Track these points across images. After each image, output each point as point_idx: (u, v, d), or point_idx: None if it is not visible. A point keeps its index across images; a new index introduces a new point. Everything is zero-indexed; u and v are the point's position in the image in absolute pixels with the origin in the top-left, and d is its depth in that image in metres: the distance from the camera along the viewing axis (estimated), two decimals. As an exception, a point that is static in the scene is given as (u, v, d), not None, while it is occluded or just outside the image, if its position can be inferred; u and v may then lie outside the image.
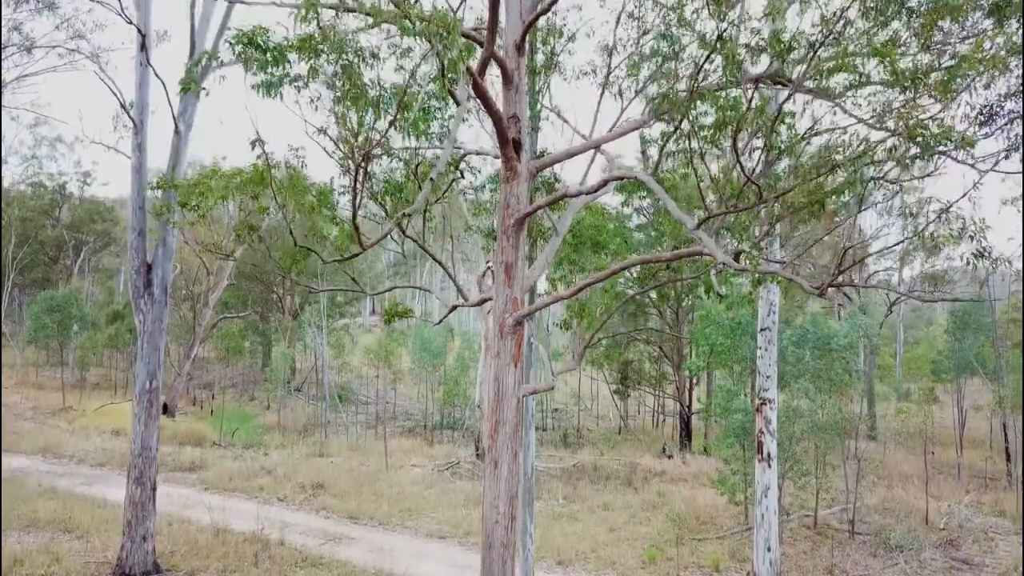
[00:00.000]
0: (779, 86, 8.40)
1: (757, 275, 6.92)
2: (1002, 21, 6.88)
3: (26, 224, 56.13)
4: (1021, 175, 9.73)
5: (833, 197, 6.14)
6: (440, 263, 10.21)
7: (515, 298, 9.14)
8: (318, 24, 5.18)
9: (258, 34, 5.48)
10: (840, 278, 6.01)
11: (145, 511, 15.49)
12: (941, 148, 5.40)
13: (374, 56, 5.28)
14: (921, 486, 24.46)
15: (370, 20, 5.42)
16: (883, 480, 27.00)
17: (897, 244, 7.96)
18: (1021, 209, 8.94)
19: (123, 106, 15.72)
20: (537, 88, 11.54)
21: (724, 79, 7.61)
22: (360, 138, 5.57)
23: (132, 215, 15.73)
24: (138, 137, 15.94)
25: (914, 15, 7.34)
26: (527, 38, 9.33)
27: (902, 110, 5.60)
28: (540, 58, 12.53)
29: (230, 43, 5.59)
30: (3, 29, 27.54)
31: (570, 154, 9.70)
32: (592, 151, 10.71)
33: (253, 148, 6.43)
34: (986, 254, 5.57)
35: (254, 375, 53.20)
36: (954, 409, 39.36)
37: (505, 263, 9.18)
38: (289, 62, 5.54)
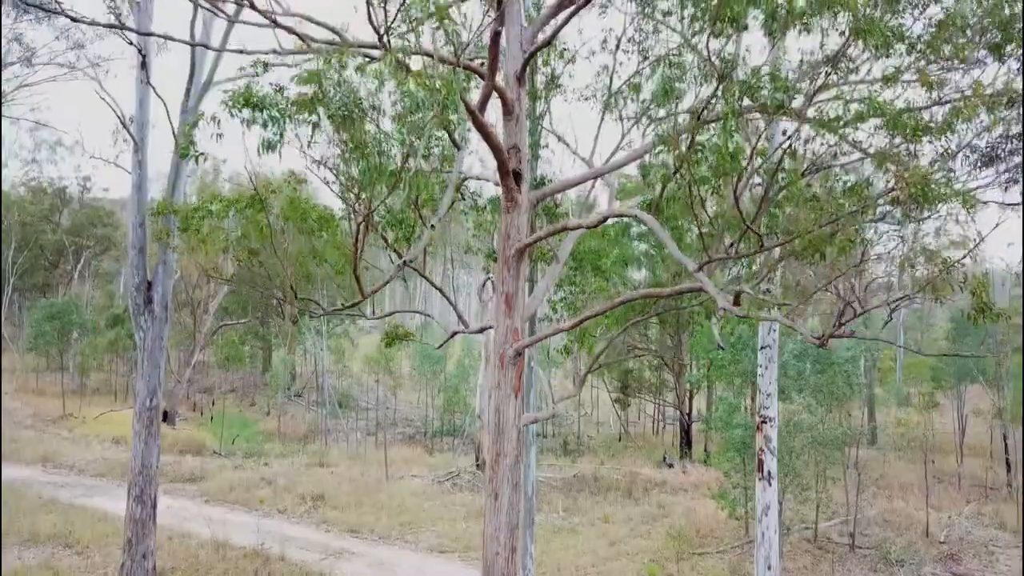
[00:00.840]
0: (783, 116, 8.42)
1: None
2: (1001, 56, 6.88)
3: (26, 229, 56.12)
4: (1021, 178, 9.77)
5: (832, 248, 6.14)
6: (440, 290, 10.21)
7: (515, 329, 9.13)
8: (320, 87, 5.17)
9: (255, 96, 5.48)
10: (841, 329, 6.02)
11: (145, 529, 15.48)
12: (940, 203, 5.41)
13: (375, 108, 5.27)
14: (921, 496, 24.46)
15: (370, 71, 5.40)
16: (883, 490, 27.00)
17: (897, 301, 7.98)
18: (1021, 214, 8.94)
19: (123, 124, 15.70)
20: (538, 112, 11.53)
21: (724, 112, 7.62)
22: (362, 196, 5.57)
23: (132, 233, 15.72)
24: (138, 154, 15.92)
25: (915, 49, 7.34)
26: (527, 68, 9.33)
27: (900, 169, 5.60)
28: (540, 79, 12.53)
29: (226, 104, 5.59)
30: (3, 39, 27.55)
31: (570, 184, 9.70)
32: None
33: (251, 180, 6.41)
34: (988, 309, 5.57)
35: (254, 379, 53.22)
36: (954, 415, 39.36)
37: (505, 293, 9.18)
38: (289, 118, 5.54)
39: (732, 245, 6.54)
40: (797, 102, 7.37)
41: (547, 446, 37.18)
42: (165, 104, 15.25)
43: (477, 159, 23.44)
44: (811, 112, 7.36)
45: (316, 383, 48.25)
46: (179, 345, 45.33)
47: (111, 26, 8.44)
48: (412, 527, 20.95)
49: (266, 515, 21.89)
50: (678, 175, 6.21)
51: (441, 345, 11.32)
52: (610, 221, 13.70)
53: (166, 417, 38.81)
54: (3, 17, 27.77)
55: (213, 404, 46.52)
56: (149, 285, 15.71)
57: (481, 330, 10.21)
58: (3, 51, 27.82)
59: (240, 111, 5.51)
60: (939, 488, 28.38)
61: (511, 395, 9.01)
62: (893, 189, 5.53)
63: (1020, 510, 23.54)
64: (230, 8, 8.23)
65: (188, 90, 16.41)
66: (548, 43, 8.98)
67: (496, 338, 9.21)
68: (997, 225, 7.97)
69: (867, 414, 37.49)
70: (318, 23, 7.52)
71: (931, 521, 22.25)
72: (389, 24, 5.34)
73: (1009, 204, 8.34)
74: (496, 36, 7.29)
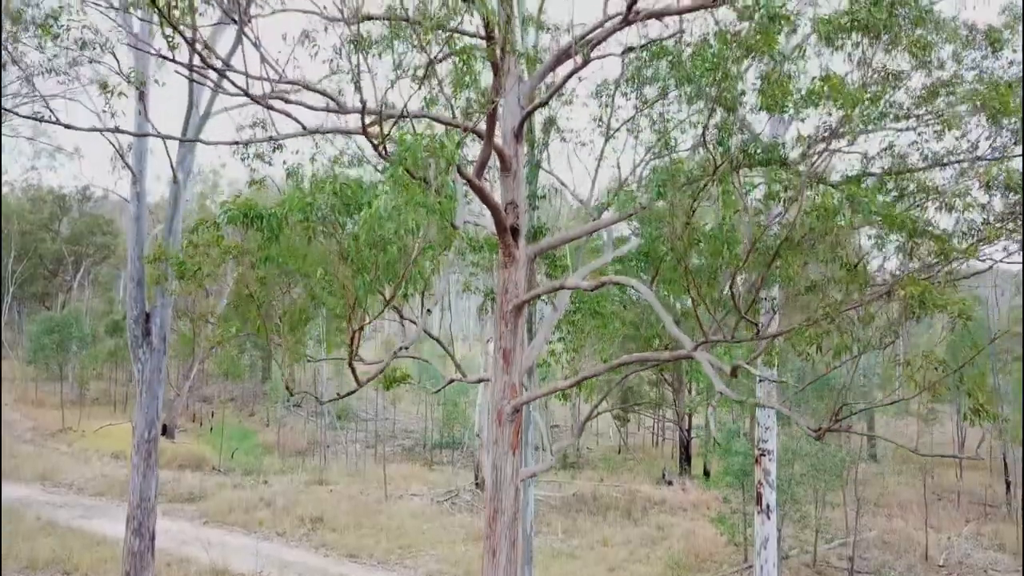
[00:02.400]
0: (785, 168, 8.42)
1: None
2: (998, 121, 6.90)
3: (25, 238, 56.09)
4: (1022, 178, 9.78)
5: (828, 339, 6.14)
6: (438, 340, 10.21)
7: (513, 385, 9.13)
8: (312, 211, 5.17)
9: (253, 210, 5.48)
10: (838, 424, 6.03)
11: (144, 562, 15.48)
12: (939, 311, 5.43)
13: (370, 205, 5.27)
14: (921, 515, 24.44)
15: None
16: (883, 509, 27.01)
17: (893, 403, 7.99)
18: (1021, 221, 8.93)
19: (121, 157, 15.68)
20: (536, 160, 11.52)
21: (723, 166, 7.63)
22: (357, 310, 5.57)
23: (131, 264, 15.72)
24: (136, 186, 15.92)
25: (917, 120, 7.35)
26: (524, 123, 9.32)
27: (899, 285, 5.59)
28: (538, 118, 12.52)
29: (227, 213, 5.59)
30: (3, 53, 27.50)
31: (567, 239, 9.70)
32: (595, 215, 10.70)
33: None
34: (983, 411, 5.57)
35: (254, 388, 53.19)
36: (954, 427, 39.36)
37: (503, 349, 9.17)
38: (286, 223, 5.54)
39: (721, 318, 6.53)
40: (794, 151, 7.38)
41: (545, 458, 37.17)
42: (165, 142, 15.22)
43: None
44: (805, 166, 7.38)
45: (316, 394, 48.18)
46: (179, 355, 45.31)
47: (105, 130, 8.45)
48: (411, 551, 20.94)
49: (265, 538, 21.88)
50: (672, 252, 6.20)
51: (438, 391, 11.31)
52: (617, 243, 13.62)
53: (165, 431, 38.79)
54: (2, 30, 27.76)
55: (212, 415, 46.51)
56: (147, 317, 15.71)
57: (479, 380, 10.21)
58: (3, 65, 27.79)
59: (238, 222, 5.52)
60: (938, 506, 28.38)
61: (509, 452, 9.00)
62: (891, 292, 5.53)
63: (1020, 532, 23.52)
64: (230, 67, 8.18)
65: (187, 121, 16.41)
66: (546, 102, 8.97)
67: (494, 394, 9.20)
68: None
69: (867, 428, 37.43)
70: (315, 90, 7.52)
71: (930, 543, 22.25)
72: (386, 135, 5.33)
73: (1008, 261, 8.35)
74: (492, 114, 7.28)
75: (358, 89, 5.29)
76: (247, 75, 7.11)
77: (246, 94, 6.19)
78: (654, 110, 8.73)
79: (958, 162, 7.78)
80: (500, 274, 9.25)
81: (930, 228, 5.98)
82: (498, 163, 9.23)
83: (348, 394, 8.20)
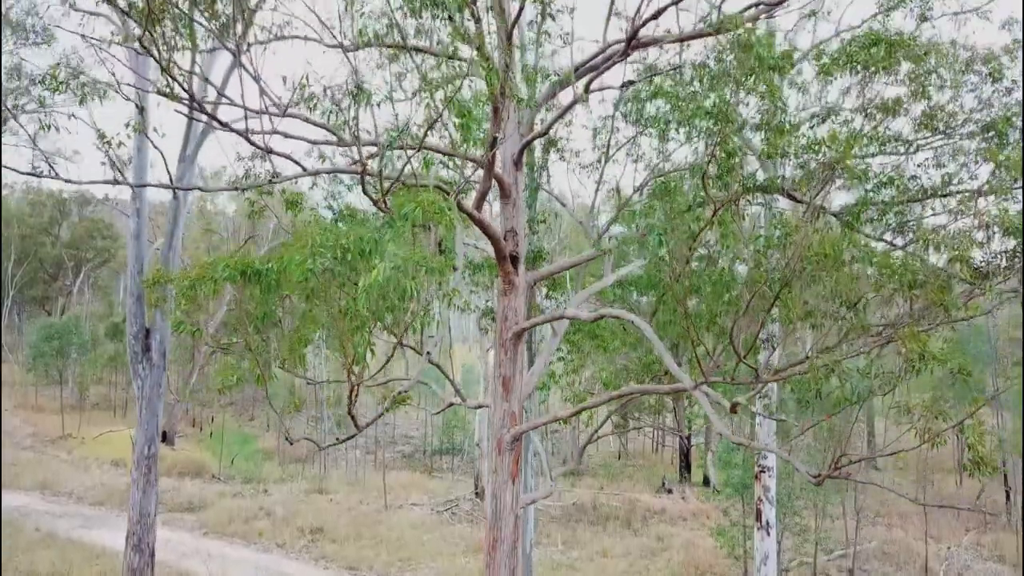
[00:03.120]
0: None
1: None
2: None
3: (25, 242, 56.12)
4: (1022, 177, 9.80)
5: (827, 385, 6.15)
6: (438, 366, 10.19)
7: (513, 413, 9.12)
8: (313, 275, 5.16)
9: (251, 268, 5.47)
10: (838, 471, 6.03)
11: (143, 578, 15.48)
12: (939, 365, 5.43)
13: (369, 255, 5.25)
14: (921, 524, 24.42)
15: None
16: (883, 518, 27.01)
17: (892, 453, 8.03)
18: (1022, 227, 8.94)
19: (120, 174, 15.63)
20: (535, 183, 11.51)
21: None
22: (354, 368, 5.57)
23: (131, 280, 15.72)
24: (136, 202, 15.92)
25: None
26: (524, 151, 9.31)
27: (899, 336, 5.61)
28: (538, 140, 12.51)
29: (227, 278, 5.59)
30: (3, 65, 27.51)
31: (567, 266, 9.70)
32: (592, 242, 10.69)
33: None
34: (985, 463, 5.57)
35: (254, 392, 53.17)
36: (955, 438, 39.23)
37: (503, 376, 9.17)
38: (284, 279, 5.54)
39: (720, 352, 6.53)
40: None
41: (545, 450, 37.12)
42: (164, 156, 15.16)
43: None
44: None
45: (315, 399, 48.20)
46: (178, 361, 45.32)
47: (105, 182, 8.52)
48: (411, 563, 20.93)
49: (265, 550, 21.87)
50: (671, 293, 6.20)
51: (439, 412, 11.30)
52: (612, 275, 13.56)
53: (165, 437, 38.79)
54: (2, 42, 27.77)
55: (212, 420, 46.50)
56: (147, 333, 15.71)
57: (478, 406, 10.20)
58: (2, 76, 27.78)
59: (237, 280, 5.52)
60: (938, 514, 28.34)
61: (508, 481, 8.99)
62: (891, 340, 5.54)
63: (1020, 542, 23.52)
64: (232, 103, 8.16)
65: (186, 137, 16.40)
66: (546, 132, 8.96)
67: (493, 422, 9.20)
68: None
69: (867, 433, 37.42)
70: (315, 123, 7.51)
71: (930, 553, 22.24)
72: (387, 191, 5.32)
73: (1007, 291, 8.34)
74: (494, 140, 7.27)
75: (356, 139, 5.28)
76: (245, 108, 7.09)
77: (248, 140, 6.18)
78: (653, 134, 8.73)
79: (959, 192, 7.78)
80: (500, 301, 9.25)
81: (929, 281, 5.98)
82: (498, 190, 9.22)
83: (347, 439, 8.20)
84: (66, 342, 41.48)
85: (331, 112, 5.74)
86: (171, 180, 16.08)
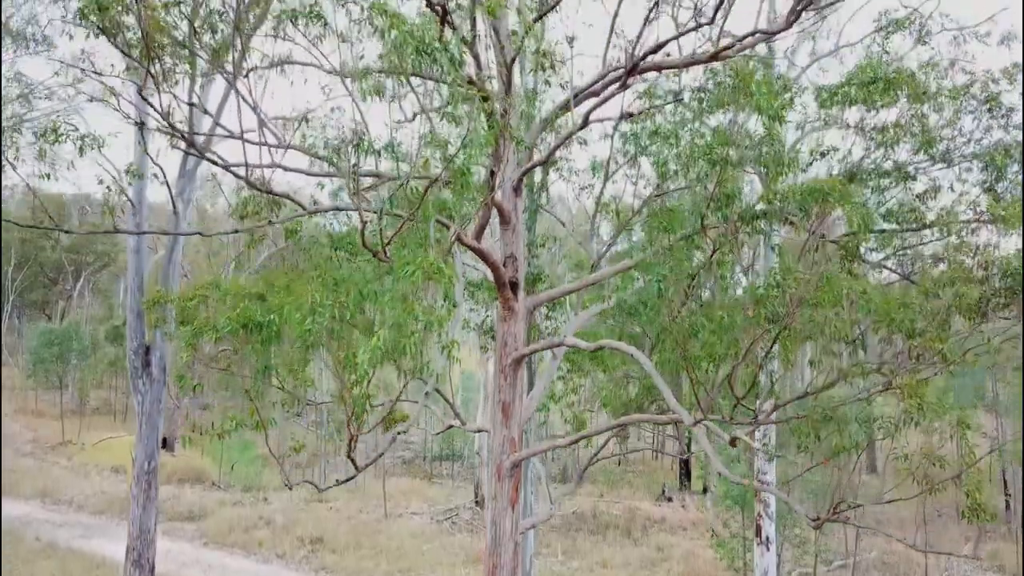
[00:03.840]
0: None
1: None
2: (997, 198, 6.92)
3: (25, 246, 56.13)
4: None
5: (825, 430, 6.17)
6: (439, 392, 10.21)
7: (512, 439, 9.13)
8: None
9: (251, 321, 5.50)
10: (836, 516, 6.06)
11: (143, 593, 15.50)
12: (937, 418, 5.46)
13: (368, 296, 5.27)
14: (921, 534, 24.42)
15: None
16: (883, 526, 26.98)
17: (890, 501, 8.06)
18: (1021, 223, 8.97)
19: (121, 188, 15.64)
20: (535, 205, 11.52)
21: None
22: (352, 420, 5.59)
23: (130, 297, 15.74)
24: (136, 216, 15.93)
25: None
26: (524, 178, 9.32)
27: (898, 386, 5.62)
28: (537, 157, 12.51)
29: (229, 331, 5.62)
30: (2, 76, 27.53)
31: (566, 291, 9.71)
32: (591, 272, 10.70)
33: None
34: (983, 510, 5.59)
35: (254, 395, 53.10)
36: (956, 440, 39.21)
37: (503, 402, 9.17)
38: (286, 328, 5.57)
39: (718, 384, 6.54)
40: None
41: (545, 472, 37.15)
42: (163, 171, 15.19)
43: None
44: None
45: (315, 404, 48.12)
46: (178, 366, 45.24)
47: (105, 231, 8.53)
48: (411, 574, 20.95)
49: (264, 560, 21.89)
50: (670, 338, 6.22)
51: (439, 433, 11.31)
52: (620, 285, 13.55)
53: (165, 444, 38.78)
54: (2, 52, 27.79)
55: (213, 425, 46.42)
56: (147, 348, 15.73)
57: (478, 430, 10.21)
58: (2, 87, 27.80)
59: (239, 333, 5.55)
60: (938, 522, 28.35)
61: (508, 508, 9.00)
62: (889, 387, 5.56)
63: (1020, 552, 23.52)
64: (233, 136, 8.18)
65: (190, 124, 16.37)
66: (545, 161, 8.98)
67: (493, 448, 9.21)
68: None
69: (868, 460, 37.41)
70: (314, 155, 7.52)
71: (929, 563, 22.25)
72: (386, 243, 5.33)
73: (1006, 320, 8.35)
74: (493, 173, 7.29)
75: (355, 194, 5.30)
76: (243, 139, 7.10)
77: (248, 183, 6.20)
78: (652, 164, 8.75)
79: (962, 223, 7.79)
80: (499, 327, 9.26)
81: (928, 330, 5.99)
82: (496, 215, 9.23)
83: (347, 480, 8.22)
84: (66, 348, 41.49)
85: (330, 156, 5.75)
86: (171, 195, 16.12)
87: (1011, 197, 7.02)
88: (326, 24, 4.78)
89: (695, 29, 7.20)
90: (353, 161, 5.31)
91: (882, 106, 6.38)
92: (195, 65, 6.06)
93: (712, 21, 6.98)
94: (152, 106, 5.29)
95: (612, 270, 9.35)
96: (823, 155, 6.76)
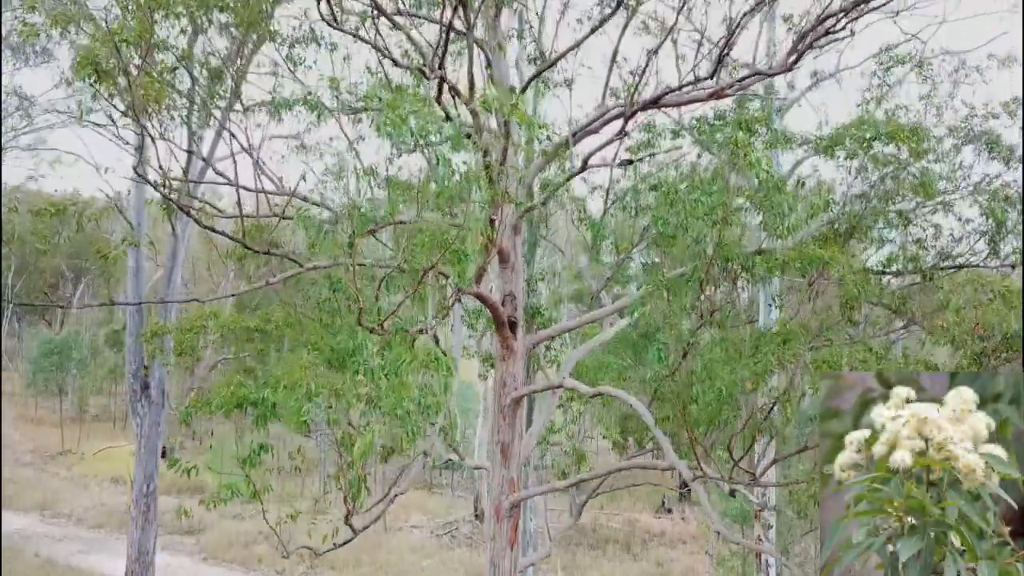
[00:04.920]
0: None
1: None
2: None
3: (25, 251, 56.13)
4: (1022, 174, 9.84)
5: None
6: (442, 427, 10.19)
7: (511, 479, 9.11)
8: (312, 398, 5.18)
9: (249, 398, 5.49)
10: None
11: (143, 617, 15.49)
12: None
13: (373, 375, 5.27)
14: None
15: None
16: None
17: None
18: (1021, 226, 9.02)
19: (119, 211, 15.67)
20: (534, 238, 11.51)
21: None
22: (351, 468, 5.59)
23: (129, 320, 15.73)
24: (135, 238, 15.90)
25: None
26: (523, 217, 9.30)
27: None
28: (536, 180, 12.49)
29: (224, 412, 5.61)
30: (2, 87, 27.51)
31: (565, 329, 9.69)
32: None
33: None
34: None
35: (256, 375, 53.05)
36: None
37: (502, 443, 9.15)
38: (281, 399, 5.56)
39: (711, 444, 6.54)
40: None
41: (544, 478, 37.08)
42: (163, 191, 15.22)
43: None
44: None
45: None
46: (178, 375, 45.30)
47: (104, 304, 8.43)
48: (411, 591, 20.95)
49: (264, 577, 21.90)
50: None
51: (435, 465, 11.29)
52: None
53: (164, 453, 38.74)
54: (2, 64, 27.77)
55: (212, 434, 46.47)
56: (146, 371, 15.71)
57: (476, 467, 10.20)
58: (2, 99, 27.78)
59: (232, 412, 5.54)
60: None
61: (507, 548, 8.98)
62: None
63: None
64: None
65: (186, 172, 16.37)
66: (545, 201, 8.96)
67: (491, 488, 9.19)
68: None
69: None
70: (314, 203, 7.50)
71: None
72: (383, 321, 5.34)
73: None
74: (492, 220, 7.27)
75: (352, 274, 5.28)
76: (237, 185, 7.09)
77: (245, 246, 6.19)
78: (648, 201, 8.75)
79: (962, 267, 7.78)
80: (498, 366, 9.24)
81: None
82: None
83: (345, 543, 8.21)
84: (66, 357, 41.49)
85: (324, 232, 5.74)
86: (172, 223, 16.09)
87: (1012, 248, 7.02)
88: (320, 115, 4.77)
89: (693, 83, 7.18)
90: (349, 232, 5.29)
91: (884, 165, 6.36)
92: (191, 120, 6.04)
93: (712, 76, 6.96)
94: (148, 182, 5.29)
95: (610, 309, 9.34)
96: (825, 207, 6.74)
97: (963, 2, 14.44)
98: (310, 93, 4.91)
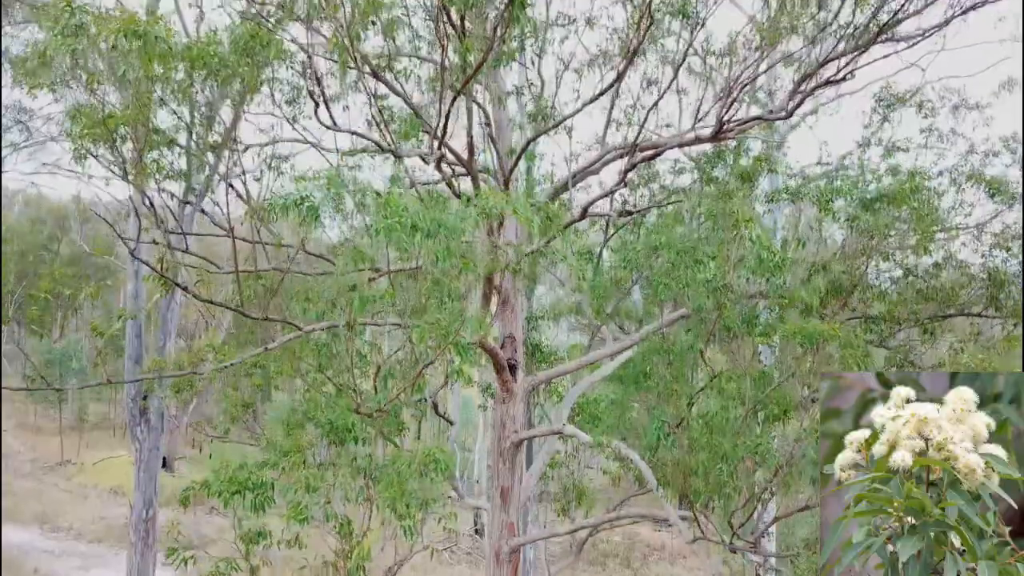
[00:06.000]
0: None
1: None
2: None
3: (25, 259, 56.15)
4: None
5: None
6: (441, 460, 10.15)
7: (511, 523, 9.08)
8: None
9: (248, 482, 5.48)
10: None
11: (142, 643, 15.46)
12: None
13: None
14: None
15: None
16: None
17: None
18: (1022, 228, 9.02)
19: (118, 236, 15.57)
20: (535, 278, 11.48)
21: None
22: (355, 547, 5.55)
23: (128, 344, 15.69)
24: (135, 264, 15.86)
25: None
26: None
27: None
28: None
29: (223, 500, 5.59)
30: (2, 99, 27.50)
31: (564, 371, 9.67)
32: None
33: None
34: None
35: (255, 408, 53.08)
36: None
37: (501, 487, 9.13)
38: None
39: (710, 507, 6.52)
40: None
41: (546, 501, 37.03)
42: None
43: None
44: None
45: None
46: (178, 383, 45.20)
47: (101, 383, 8.49)
48: (410, 610, 20.90)
49: (264, 595, 21.82)
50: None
51: (436, 504, 11.27)
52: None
53: (165, 463, 38.70)
54: (2, 76, 27.75)
55: (212, 441, 46.43)
56: (145, 395, 15.68)
57: (475, 508, 10.17)
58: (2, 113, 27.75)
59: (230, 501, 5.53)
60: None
61: (507, 592, 8.96)
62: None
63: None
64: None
65: (186, 190, 16.32)
66: (546, 244, 8.93)
67: (491, 533, 9.16)
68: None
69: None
70: (317, 255, 7.46)
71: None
72: (383, 407, 5.32)
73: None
74: (489, 286, 7.25)
75: (350, 371, 5.27)
76: (231, 235, 7.05)
77: (243, 314, 6.16)
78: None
79: (963, 315, 7.75)
80: (498, 408, 9.21)
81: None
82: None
83: None
84: (65, 368, 41.48)
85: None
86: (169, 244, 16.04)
87: (1012, 303, 7.00)
88: (318, 217, 4.76)
89: (693, 143, 7.16)
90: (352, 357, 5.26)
91: (884, 229, 6.35)
92: (190, 176, 6.02)
93: (714, 138, 6.94)
94: (147, 264, 5.26)
95: (609, 351, 9.31)
96: (824, 268, 6.73)
97: (964, 29, 14.40)
98: (305, 196, 4.88)
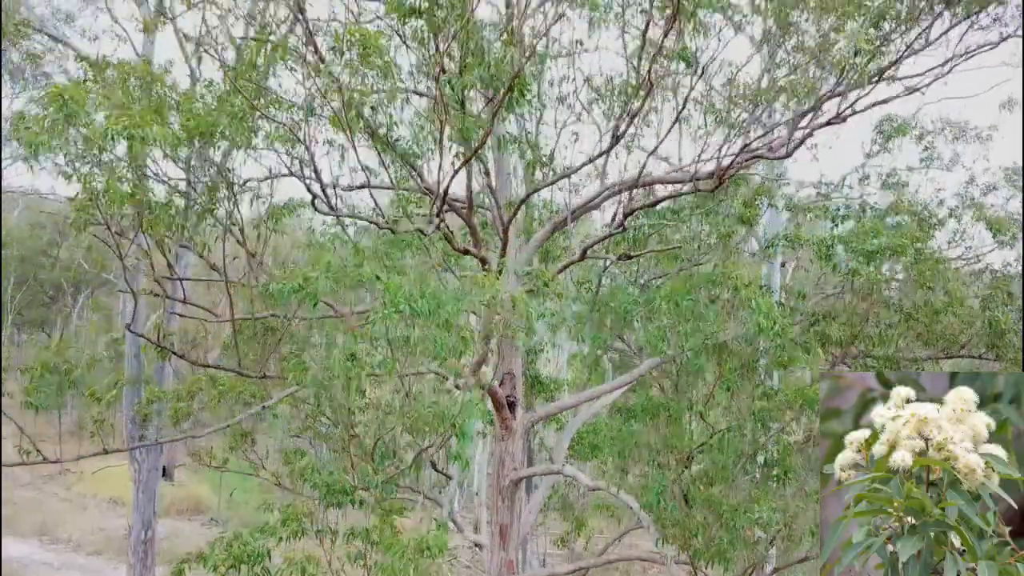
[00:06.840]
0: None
1: None
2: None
3: (25, 264, 56.13)
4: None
5: None
6: (441, 485, 10.14)
7: (510, 561, 9.07)
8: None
9: (246, 552, 5.47)
10: None
11: (140, 665, 15.45)
12: None
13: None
14: None
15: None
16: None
17: None
18: (1022, 229, 9.02)
19: (118, 256, 15.55)
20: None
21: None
22: None
23: (128, 365, 15.68)
24: (134, 282, 15.81)
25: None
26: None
27: None
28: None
29: (216, 572, 5.57)
30: (3, 104, 27.52)
31: (563, 407, 9.66)
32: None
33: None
34: None
35: (255, 416, 53.00)
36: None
37: (500, 525, 9.11)
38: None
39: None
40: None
41: (546, 525, 36.97)
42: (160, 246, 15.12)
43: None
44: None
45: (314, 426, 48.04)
46: (178, 392, 45.18)
47: (99, 453, 8.44)
48: (409, 626, 20.86)
49: (263, 610, 21.80)
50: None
51: (430, 532, 11.25)
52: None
53: (164, 473, 38.65)
54: (3, 85, 27.77)
55: (212, 449, 46.34)
56: (145, 416, 15.63)
57: (475, 544, 10.16)
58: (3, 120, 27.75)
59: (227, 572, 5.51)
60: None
61: (505, 631, 8.94)
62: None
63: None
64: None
65: (186, 207, 16.29)
66: (546, 282, 8.91)
67: (489, 570, 9.14)
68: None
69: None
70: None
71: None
72: (378, 471, 5.31)
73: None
74: (487, 341, 7.24)
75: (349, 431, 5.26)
76: (226, 281, 7.04)
77: (240, 373, 6.16)
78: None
79: (961, 357, 7.73)
80: (497, 446, 9.20)
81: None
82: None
83: None
84: (64, 376, 41.31)
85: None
86: (169, 264, 16.00)
87: (1013, 353, 6.99)
88: (316, 304, 4.75)
89: (694, 191, 7.15)
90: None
91: (885, 281, 6.34)
92: (186, 229, 6.01)
93: (713, 191, 6.93)
94: (144, 337, 5.25)
95: (609, 386, 9.31)
96: (823, 318, 6.73)
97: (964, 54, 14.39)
98: (306, 279, 4.87)
